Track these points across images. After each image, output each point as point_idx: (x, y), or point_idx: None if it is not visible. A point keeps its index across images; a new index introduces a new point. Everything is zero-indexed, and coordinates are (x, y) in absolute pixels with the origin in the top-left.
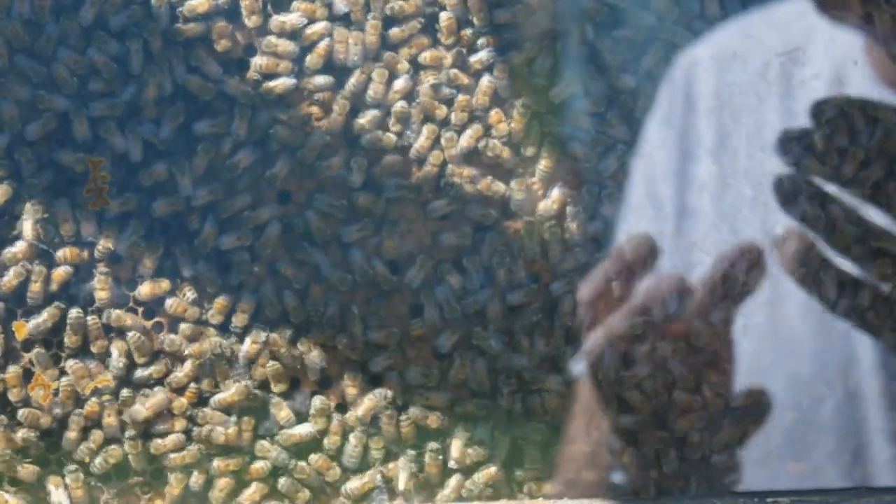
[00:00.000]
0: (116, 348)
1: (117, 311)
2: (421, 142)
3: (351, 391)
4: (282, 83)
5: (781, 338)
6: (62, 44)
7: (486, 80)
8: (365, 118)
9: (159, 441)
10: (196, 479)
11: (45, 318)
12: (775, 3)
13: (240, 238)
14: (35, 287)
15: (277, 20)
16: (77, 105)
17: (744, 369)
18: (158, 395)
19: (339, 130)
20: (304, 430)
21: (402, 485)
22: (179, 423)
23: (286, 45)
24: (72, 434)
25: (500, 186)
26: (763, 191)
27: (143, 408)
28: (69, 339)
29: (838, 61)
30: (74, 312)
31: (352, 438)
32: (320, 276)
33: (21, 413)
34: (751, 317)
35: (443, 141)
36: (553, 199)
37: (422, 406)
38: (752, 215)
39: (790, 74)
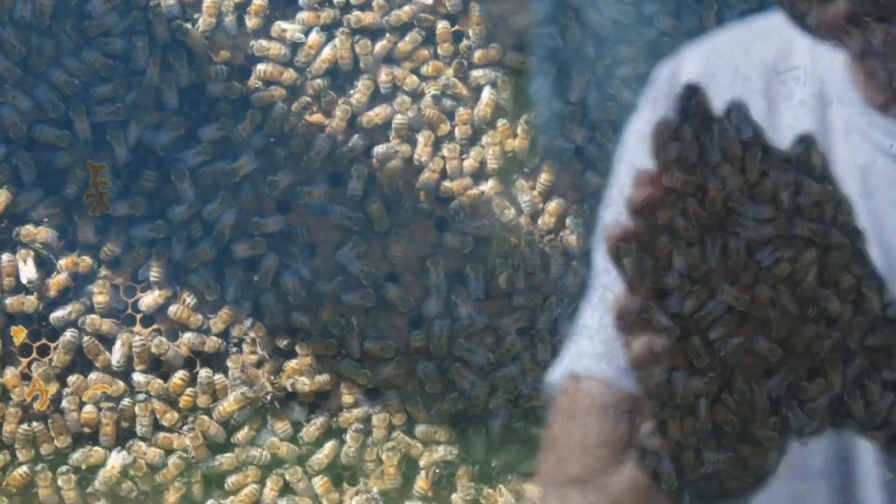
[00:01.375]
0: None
1: (92, 316)
2: (419, 149)
3: (347, 400)
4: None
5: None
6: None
7: (487, 92)
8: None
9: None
10: (196, 489)
11: (69, 311)
12: (764, 16)
13: (253, 247)
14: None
15: (278, 27)
16: (77, 106)
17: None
18: (121, 455)
19: (342, 135)
20: (290, 447)
21: (420, 483)
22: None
23: (278, 48)
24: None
25: (511, 212)
26: None
27: (111, 468)
28: (58, 358)
29: (822, 80)
30: (69, 335)
31: (348, 438)
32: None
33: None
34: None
35: (445, 152)
36: (550, 211)
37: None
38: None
39: (791, 93)
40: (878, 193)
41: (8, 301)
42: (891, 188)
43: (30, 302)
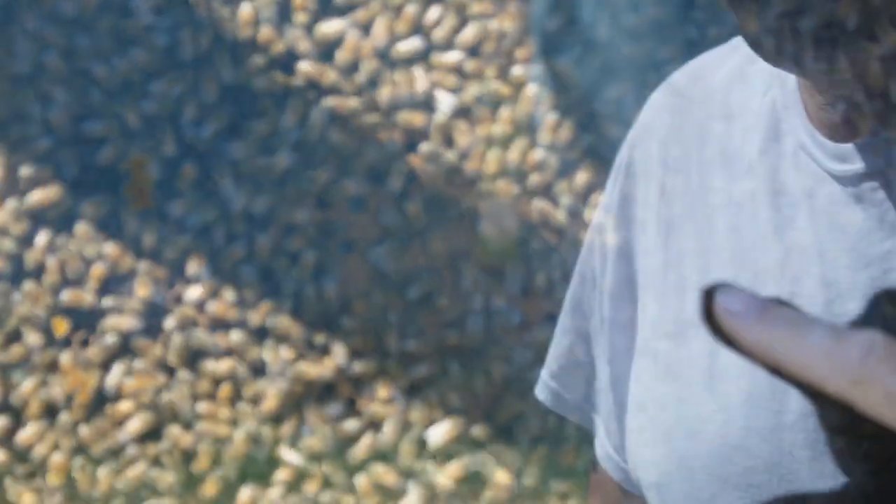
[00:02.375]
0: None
1: (114, 317)
2: (458, 140)
3: (383, 394)
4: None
5: (716, 394)
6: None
7: (529, 89)
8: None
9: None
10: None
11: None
12: None
13: (304, 237)
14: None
15: (319, 27)
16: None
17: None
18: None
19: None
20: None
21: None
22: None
23: (307, 46)
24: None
25: (556, 214)
26: None
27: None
28: (95, 355)
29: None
30: (110, 339)
31: (385, 427)
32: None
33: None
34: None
35: (488, 154)
36: (594, 204)
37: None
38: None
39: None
40: (820, 216)
41: (65, 296)
42: (834, 211)
43: (86, 298)
